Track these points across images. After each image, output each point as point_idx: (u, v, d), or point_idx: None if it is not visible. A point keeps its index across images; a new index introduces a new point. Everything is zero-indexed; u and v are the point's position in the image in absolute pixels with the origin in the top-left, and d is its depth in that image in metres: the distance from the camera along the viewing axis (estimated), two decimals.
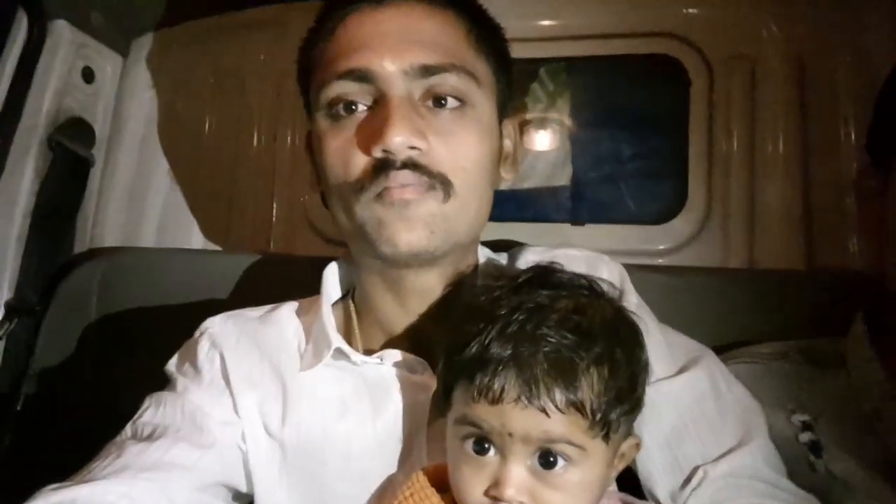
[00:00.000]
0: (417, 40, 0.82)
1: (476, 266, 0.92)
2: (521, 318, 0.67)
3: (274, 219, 1.71)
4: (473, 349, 0.67)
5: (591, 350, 0.66)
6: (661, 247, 1.50)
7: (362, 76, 0.81)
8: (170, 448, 0.82)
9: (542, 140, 1.64)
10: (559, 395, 0.64)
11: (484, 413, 0.66)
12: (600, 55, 1.57)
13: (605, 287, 0.75)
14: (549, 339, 0.65)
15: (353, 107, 0.83)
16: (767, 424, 0.85)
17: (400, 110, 0.79)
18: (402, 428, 0.84)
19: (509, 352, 0.65)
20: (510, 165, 0.95)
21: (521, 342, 0.66)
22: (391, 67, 0.81)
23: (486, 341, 0.67)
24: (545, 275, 0.74)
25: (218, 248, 1.73)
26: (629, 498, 0.76)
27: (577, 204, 1.61)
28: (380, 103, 0.81)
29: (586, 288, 0.73)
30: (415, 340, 0.88)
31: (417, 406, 0.84)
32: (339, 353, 0.87)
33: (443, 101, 0.83)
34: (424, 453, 0.81)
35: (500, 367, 0.65)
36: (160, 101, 1.75)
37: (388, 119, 0.78)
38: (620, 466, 0.72)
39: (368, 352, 0.88)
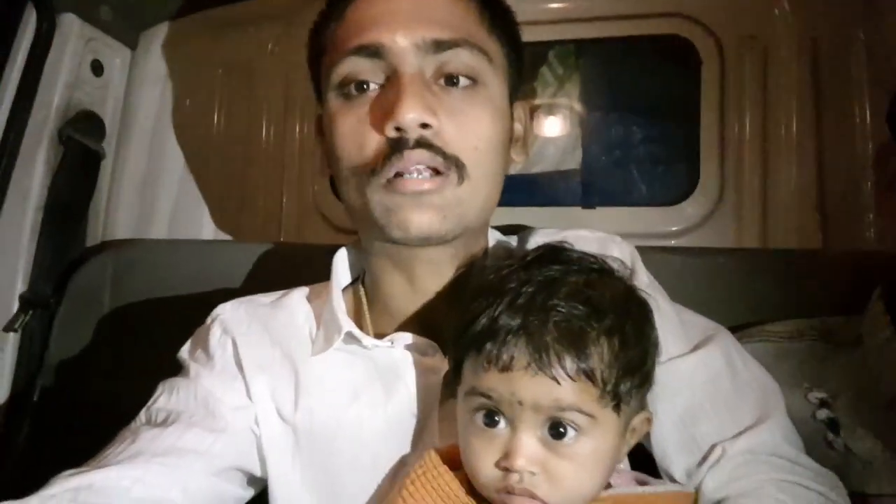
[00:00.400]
0: (429, 16, 0.82)
1: (486, 248, 0.92)
2: (530, 290, 0.67)
3: (284, 208, 1.71)
4: (483, 321, 0.67)
5: (602, 321, 0.65)
6: (674, 228, 1.49)
7: (374, 52, 0.81)
8: (183, 433, 0.82)
9: (552, 124, 1.63)
10: (569, 363, 0.63)
11: (493, 382, 0.66)
12: (610, 37, 1.56)
13: (615, 266, 0.74)
14: (559, 309, 0.65)
15: (365, 86, 0.82)
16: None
17: (412, 86, 0.78)
18: (414, 411, 0.84)
19: (519, 321, 0.65)
20: (521, 148, 0.94)
21: (530, 313, 0.65)
22: (403, 42, 0.80)
23: (496, 313, 0.66)
24: (555, 252, 0.73)
25: (229, 238, 1.74)
26: (643, 476, 0.76)
27: (588, 187, 1.60)
28: (391, 81, 0.80)
29: (596, 265, 0.73)
30: (425, 323, 0.88)
31: (429, 388, 0.83)
32: (350, 337, 0.86)
33: (455, 80, 0.82)
34: (437, 435, 0.80)
35: (510, 336, 0.65)
36: (169, 93, 1.75)
37: (401, 95, 0.77)
38: (632, 441, 0.72)
39: (379, 336, 0.88)
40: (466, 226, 0.83)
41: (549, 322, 0.64)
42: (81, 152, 1.58)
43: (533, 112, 1.60)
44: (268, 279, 1.29)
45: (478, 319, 0.68)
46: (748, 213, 1.45)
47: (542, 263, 0.71)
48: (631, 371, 0.66)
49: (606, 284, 0.70)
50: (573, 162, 1.60)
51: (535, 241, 0.93)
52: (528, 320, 0.65)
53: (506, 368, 0.64)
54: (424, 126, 0.78)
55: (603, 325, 0.65)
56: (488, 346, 0.66)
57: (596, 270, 0.72)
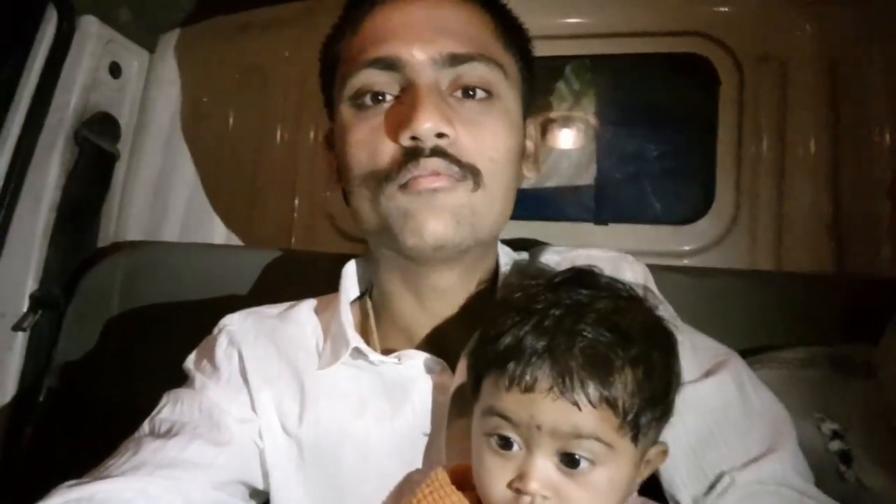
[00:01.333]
0: (446, 30, 0.82)
1: (496, 266, 0.91)
2: (558, 313, 0.66)
3: (295, 215, 1.71)
4: (507, 340, 0.66)
5: (628, 350, 0.65)
6: (687, 248, 1.47)
7: (390, 64, 0.80)
8: (187, 445, 0.82)
9: (567, 138, 1.62)
10: (592, 390, 0.62)
11: (513, 404, 0.65)
12: (627, 53, 1.55)
13: (646, 295, 0.73)
14: (585, 334, 0.64)
15: (380, 97, 0.82)
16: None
17: (429, 97, 0.78)
18: (421, 428, 0.83)
19: (544, 343, 0.64)
20: (532, 165, 0.94)
21: (557, 335, 0.65)
22: (420, 55, 0.80)
23: (521, 333, 0.66)
24: (584, 275, 0.73)
25: (240, 243, 1.74)
26: (651, 503, 0.75)
27: (601, 203, 1.58)
28: (407, 92, 0.80)
29: (625, 292, 0.72)
30: (433, 340, 0.87)
31: (436, 407, 0.82)
32: (358, 352, 0.86)
33: (471, 93, 0.82)
34: (443, 454, 0.80)
35: (534, 358, 0.64)
36: (185, 96, 1.76)
37: (417, 105, 0.77)
38: (646, 473, 0.71)
39: (386, 351, 0.87)
40: (478, 237, 0.82)
41: (574, 347, 0.64)
42: (96, 154, 1.59)
43: (547, 125, 1.60)
44: (277, 286, 1.29)
45: (502, 337, 0.67)
46: (763, 234, 1.43)
47: (571, 286, 0.70)
48: (653, 402, 0.66)
49: (634, 313, 0.69)
50: (587, 177, 1.59)
51: (546, 259, 0.92)
52: (553, 343, 0.64)
53: (528, 390, 0.64)
54: (440, 136, 0.78)
55: (629, 354, 0.65)
56: (511, 365, 0.65)
57: (624, 298, 0.71)
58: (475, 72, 0.82)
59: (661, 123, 1.57)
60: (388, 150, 0.80)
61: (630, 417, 0.64)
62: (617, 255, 0.93)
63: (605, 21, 1.53)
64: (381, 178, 0.80)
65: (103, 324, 1.46)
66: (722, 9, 1.48)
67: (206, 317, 0.97)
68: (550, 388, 0.63)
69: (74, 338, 1.47)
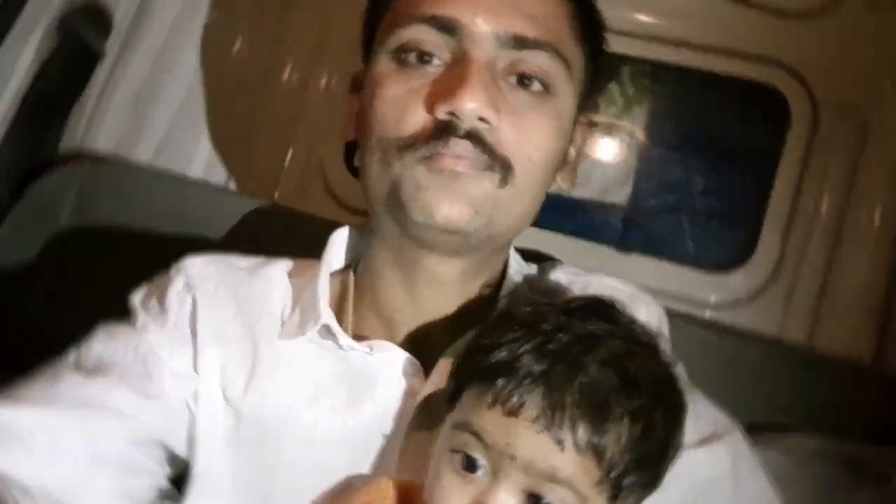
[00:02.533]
0: (517, 6, 0.81)
1: (503, 273, 0.91)
2: (565, 339, 0.66)
3: (287, 165, 1.71)
4: (502, 353, 0.66)
5: (632, 400, 0.64)
6: (713, 299, 1.48)
7: (447, 26, 0.80)
8: (111, 389, 0.82)
9: (606, 148, 1.62)
10: (582, 433, 0.62)
11: (491, 424, 0.65)
12: (693, 67, 1.55)
13: (665, 347, 0.73)
14: (590, 371, 0.64)
15: (427, 58, 0.81)
16: None
17: (481, 74, 0.78)
18: (376, 430, 0.83)
19: (542, 368, 0.64)
20: (567, 175, 0.94)
21: (558, 363, 0.64)
22: (483, 27, 0.80)
23: (520, 350, 0.66)
24: (603, 307, 0.73)
25: (219, 182, 1.73)
26: None
27: (630, 228, 1.59)
28: (458, 61, 0.80)
29: (644, 337, 0.71)
30: (414, 337, 0.87)
31: (399, 412, 0.82)
32: (327, 331, 0.85)
33: (526, 81, 0.82)
34: (394, 465, 0.80)
35: (527, 380, 0.64)
36: (192, 3, 1.74)
37: (466, 80, 0.77)
38: None
39: (358, 337, 0.87)
40: (493, 234, 0.83)
41: (574, 380, 0.64)
42: (79, 47, 1.57)
43: (588, 129, 1.60)
44: (254, 242, 1.28)
45: (497, 349, 0.67)
46: (800, 300, 1.43)
47: (586, 315, 0.70)
48: (643, 466, 0.65)
49: (648, 362, 0.69)
50: (620, 196, 1.60)
51: (556, 277, 0.93)
52: (552, 370, 0.64)
53: (511, 413, 0.64)
54: (481, 119, 0.78)
55: (631, 404, 0.64)
56: (500, 382, 0.65)
57: (642, 343, 0.70)
58: (537, 60, 0.81)
59: (714, 153, 1.58)
60: (418, 118, 0.80)
61: (613, 474, 0.63)
62: (635, 291, 0.93)
63: (677, 25, 1.53)
64: (402, 145, 0.80)
65: (47, 236, 1.46)
66: (809, 40, 1.48)
67: (163, 255, 0.96)
68: (536, 419, 0.63)
69: (11, 245, 1.46)
